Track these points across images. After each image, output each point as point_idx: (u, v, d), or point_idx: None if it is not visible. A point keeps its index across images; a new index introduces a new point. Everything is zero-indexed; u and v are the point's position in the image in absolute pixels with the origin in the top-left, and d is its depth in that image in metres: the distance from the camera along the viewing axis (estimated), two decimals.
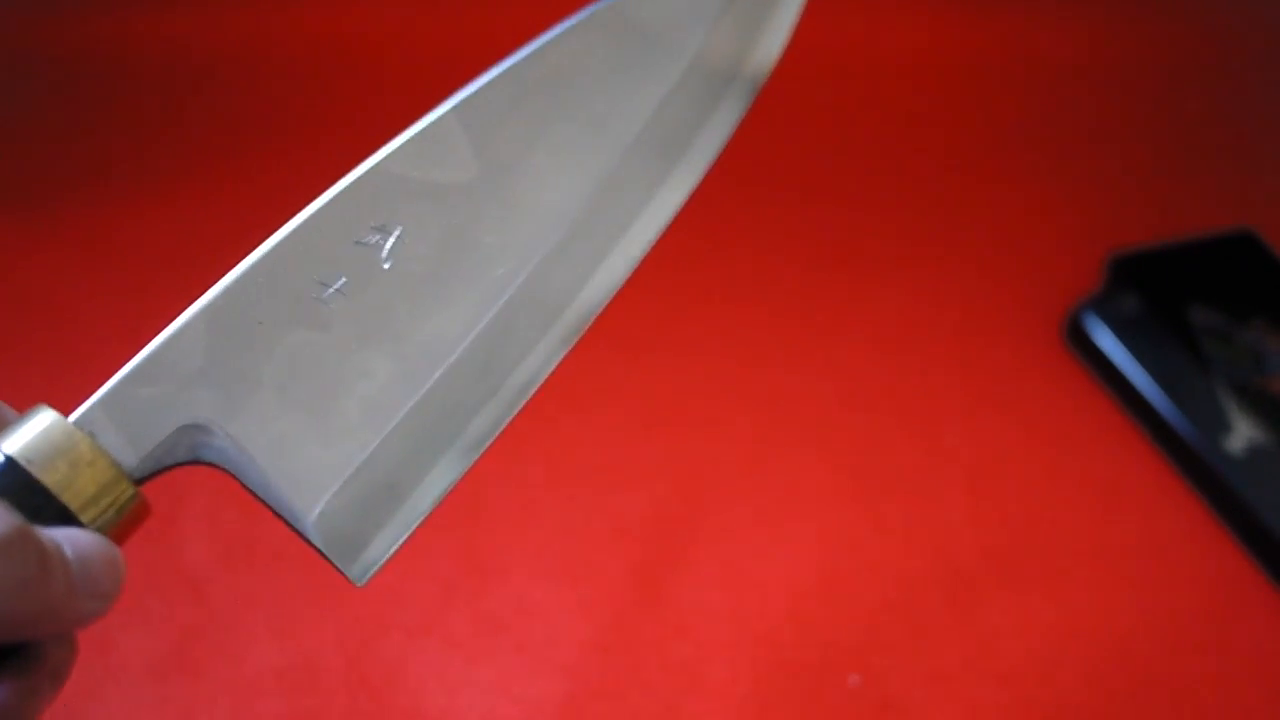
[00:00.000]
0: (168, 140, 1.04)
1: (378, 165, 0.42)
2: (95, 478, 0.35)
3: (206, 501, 0.76)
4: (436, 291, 0.41)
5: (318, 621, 0.72)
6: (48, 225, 0.94)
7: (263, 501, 0.39)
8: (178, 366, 0.38)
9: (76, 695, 0.67)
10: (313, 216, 0.41)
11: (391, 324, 0.40)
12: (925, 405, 0.87)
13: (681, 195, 0.44)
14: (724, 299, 0.93)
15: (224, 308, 0.39)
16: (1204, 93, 1.19)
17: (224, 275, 0.40)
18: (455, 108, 0.42)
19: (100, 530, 0.35)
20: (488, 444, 0.41)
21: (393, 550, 0.40)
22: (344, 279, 0.40)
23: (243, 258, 0.40)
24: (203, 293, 0.40)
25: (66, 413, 0.36)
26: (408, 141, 0.42)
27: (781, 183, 1.05)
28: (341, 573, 0.39)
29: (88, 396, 0.37)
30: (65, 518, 0.34)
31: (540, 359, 0.42)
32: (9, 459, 0.34)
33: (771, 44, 0.46)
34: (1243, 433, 0.83)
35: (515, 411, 0.42)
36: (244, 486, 0.39)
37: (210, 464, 0.39)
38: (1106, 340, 0.88)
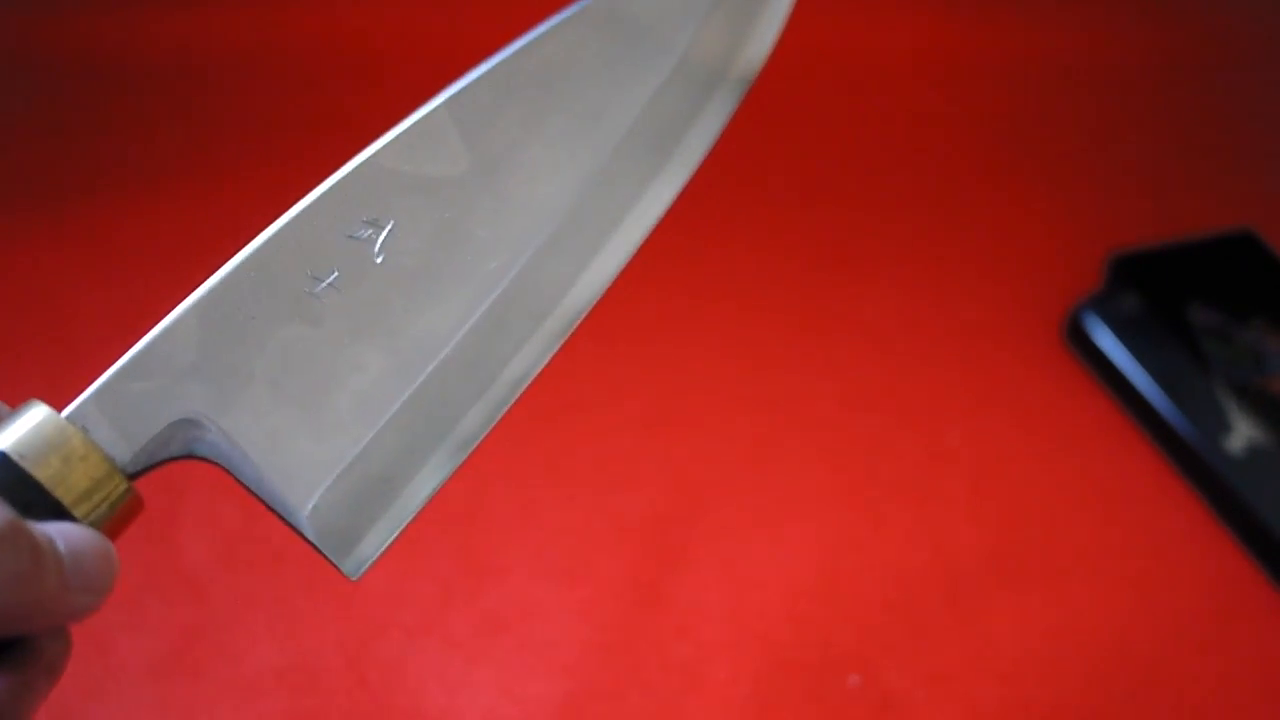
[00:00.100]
0: (166, 139, 1.04)
1: (370, 159, 0.42)
2: (88, 472, 0.35)
3: (206, 501, 0.76)
4: (429, 285, 0.41)
5: (318, 621, 0.72)
6: (46, 223, 0.94)
7: (256, 496, 0.39)
8: (170, 361, 0.38)
9: (76, 695, 0.68)
10: (305, 211, 0.41)
11: (384, 318, 0.40)
12: (925, 405, 0.87)
13: (673, 191, 0.45)
14: (724, 299, 0.93)
15: (216, 302, 0.39)
16: (1204, 93, 1.19)
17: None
18: (447, 102, 0.42)
19: (93, 525, 0.35)
20: (481, 439, 0.41)
21: (387, 544, 0.40)
22: (336, 273, 0.40)
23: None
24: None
25: (61, 408, 0.36)
26: (399, 136, 0.42)
27: (782, 183, 1.05)
28: (336, 567, 0.39)
29: (83, 392, 0.38)
30: (58, 512, 0.34)
31: (533, 354, 0.42)
32: (2, 454, 0.34)
33: (763, 39, 0.46)
34: (1243, 433, 0.83)
35: (508, 406, 0.42)
36: (238, 481, 0.39)
37: (203, 459, 0.39)
38: (1106, 340, 0.88)
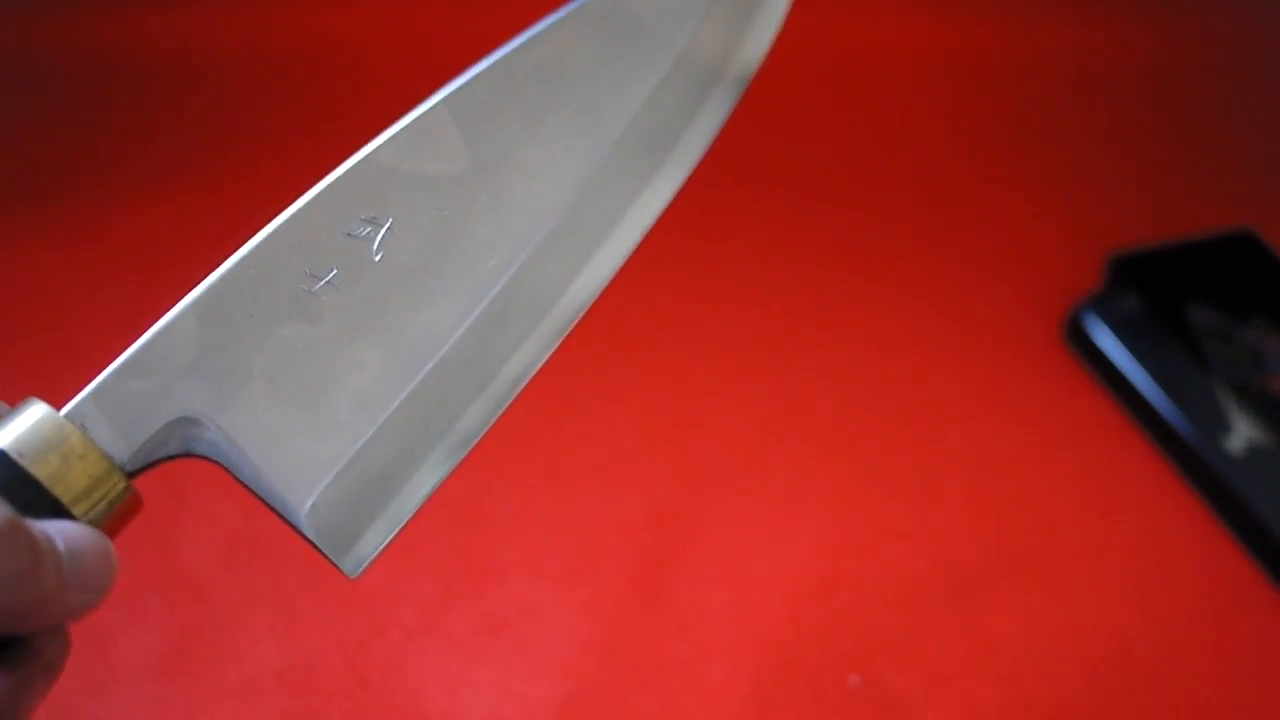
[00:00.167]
0: (165, 138, 1.04)
1: (368, 157, 0.42)
2: (87, 471, 0.35)
3: (206, 500, 0.76)
4: (427, 283, 0.41)
5: (318, 621, 0.72)
6: (45, 223, 0.95)
7: (255, 494, 0.39)
8: (169, 359, 0.38)
9: (76, 695, 0.68)
10: (303, 209, 0.41)
11: (383, 316, 0.41)
12: (925, 405, 0.87)
13: (671, 188, 0.45)
14: (723, 299, 0.93)
15: (215, 301, 0.39)
16: (1204, 93, 1.19)
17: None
18: (445, 99, 0.43)
19: (92, 523, 0.35)
20: (480, 437, 0.41)
21: (386, 542, 0.40)
22: (335, 271, 0.40)
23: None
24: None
25: (59, 406, 0.37)
26: (398, 133, 0.42)
27: (782, 182, 1.05)
28: (335, 565, 0.39)
29: (82, 390, 0.38)
30: (57, 511, 0.34)
31: (532, 352, 0.42)
32: (1, 452, 0.34)
33: (761, 37, 0.46)
34: (1243, 433, 0.83)
35: (507, 404, 0.42)
36: (236, 479, 0.39)
37: (202, 457, 0.39)
38: (1106, 340, 0.88)
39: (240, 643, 0.71)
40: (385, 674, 0.70)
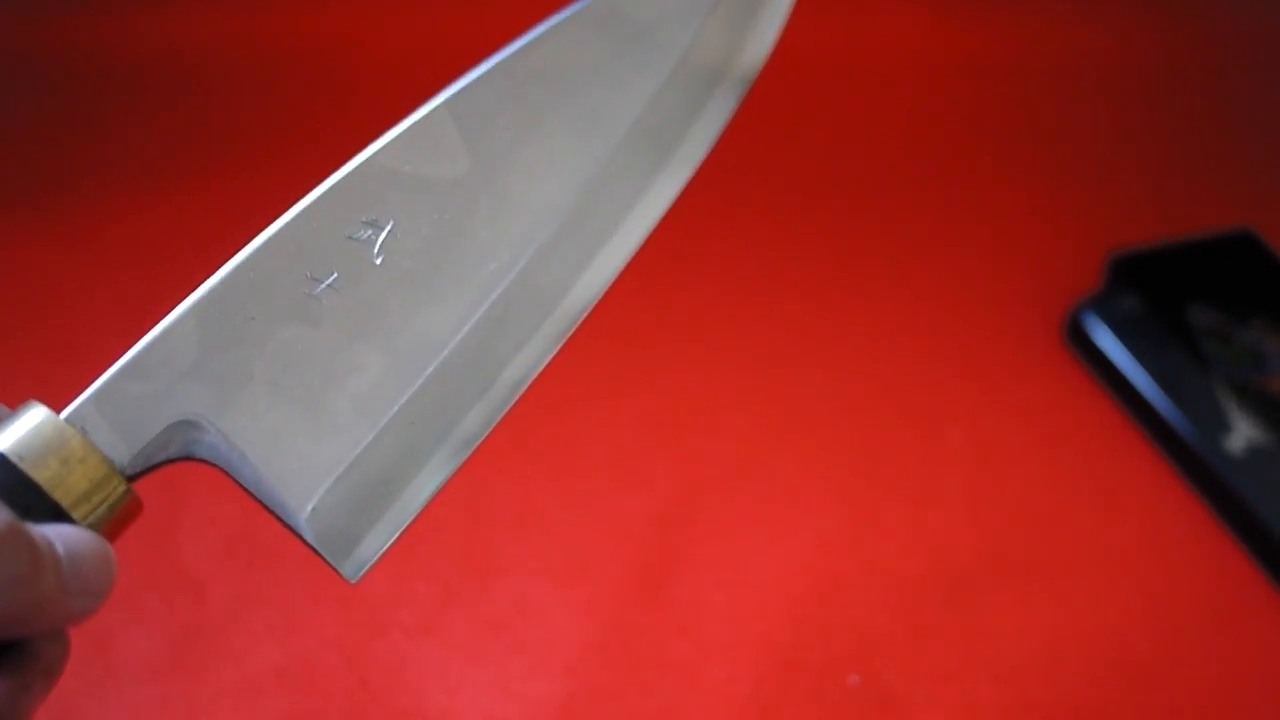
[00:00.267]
0: (164, 138, 1.04)
1: (369, 160, 0.42)
2: (87, 474, 0.35)
3: (206, 500, 0.76)
4: (428, 286, 0.41)
5: (318, 621, 0.72)
6: (44, 223, 0.94)
7: (255, 498, 0.39)
8: (169, 362, 0.38)
9: (76, 694, 0.67)
10: (304, 212, 0.41)
11: (383, 319, 0.40)
12: (925, 405, 0.87)
13: (673, 191, 0.45)
14: (723, 298, 0.93)
15: (215, 303, 0.39)
16: (1204, 93, 1.19)
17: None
18: (447, 102, 0.42)
19: (92, 527, 0.35)
20: (481, 440, 0.41)
21: (386, 547, 0.40)
22: (335, 274, 0.40)
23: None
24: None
25: (60, 409, 0.36)
26: (399, 136, 0.42)
27: (783, 182, 1.05)
28: (335, 569, 0.39)
29: (82, 393, 0.38)
30: (57, 515, 0.34)
31: (533, 355, 0.42)
32: (1, 456, 0.34)
33: (763, 39, 0.46)
34: (1243, 433, 0.83)
35: (508, 407, 0.42)
36: (236, 483, 0.39)
37: (202, 460, 0.39)
38: (1106, 340, 0.88)
39: (240, 643, 0.71)
40: (385, 674, 0.70)
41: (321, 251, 0.40)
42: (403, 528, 0.40)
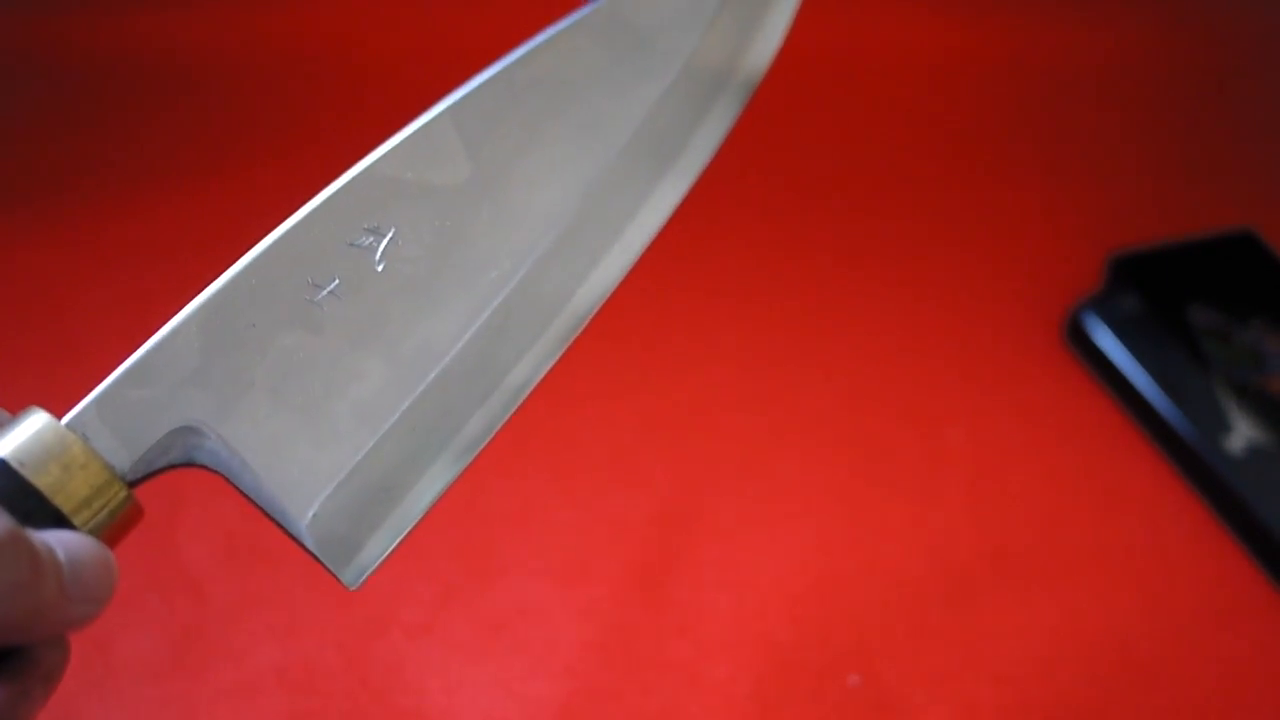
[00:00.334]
0: (164, 138, 1.04)
1: (371, 167, 0.41)
2: (88, 480, 0.35)
3: (206, 501, 0.76)
4: (430, 294, 0.41)
5: (318, 621, 0.72)
6: (44, 224, 0.94)
7: (256, 504, 0.39)
8: (171, 369, 0.38)
9: (76, 695, 0.68)
10: (306, 218, 0.40)
11: (385, 326, 0.40)
12: (925, 404, 0.87)
13: (676, 198, 0.44)
14: (723, 298, 0.93)
15: (217, 310, 0.39)
16: (1204, 93, 1.19)
17: (219, 275, 0.40)
18: (449, 109, 0.42)
19: (93, 533, 0.35)
20: (482, 447, 0.41)
21: (386, 554, 0.40)
22: (337, 281, 0.40)
23: (239, 257, 0.40)
24: (199, 292, 0.40)
25: (60, 414, 0.36)
26: (401, 143, 0.42)
27: (783, 182, 1.05)
28: (335, 577, 0.39)
29: (83, 397, 0.38)
30: (58, 520, 0.34)
31: (534, 362, 0.42)
32: (2, 462, 0.34)
33: (766, 46, 0.46)
34: (1243, 433, 0.83)
35: (509, 414, 0.42)
36: (237, 489, 0.39)
37: (203, 466, 0.39)
38: (1106, 340, 0.88)
39: (240, 643, 0.71)
40: (385, 674, 0.70)
41: (323, 258, 0.40)
42: (403, 535, 0.40)
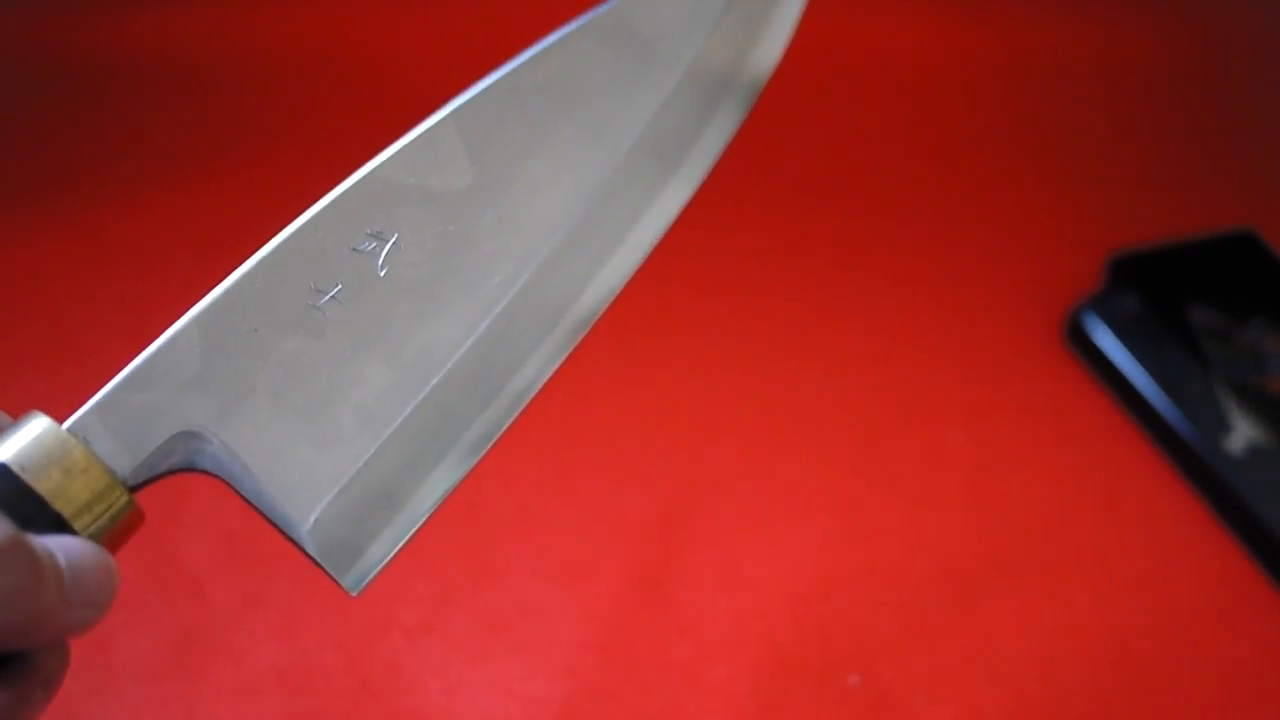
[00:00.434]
0: (164, 138, 1.04)
1: (374, 172, 0.41)
2: (89, 485, 0.35)
3: (207, 501, 0.76)
4: (433, 299, 0.41)
5: (318, 622, 0.72)
6: (44, 225, 0.94)
7: (257, 509, 0.39)
8: (172, 373, 0.38)
9: (77, 695, 0.68)
10: (308, 223, 0.40)
11: (387, 331, 0.40)
12: (925, 405, 0.87)
13: (679, 202, 0.44)
14: (723, 298, 0.93)
15: (219, 314, 0.39)
16: (1204, 93, 1.19)
17: (221, 278, 0.40)
18: (453, 113, 0.42)
19: (93, 538, 0.35)
20: (484, 451, 0.41)
21: (388, 559, 0.40)
22: (340, 286, 0.40)
23: (241, 259, 0.40)
24: (201, 295, 0.40)
25: (61, 418, 0.36)
26: (404, 148, 0.42)
27: (783, 183, 1.05)
28: (336, 582, 0.39)
29: (84, 399, 0.37)
30: (58, 525, 0.34)
31: (536, 366, 0.42)
32: (2, 466, 0.34)
33: (770, 50, 0.46)
34: (1243, 433, 0.83)
35: (511, 419, 0.42)
36: (238, 494, 0.39)
37: (205, 471, 0.39)
38: (1106, 340, 0.88)
39: (240, 643, 0.71)
40: (385, 674, 0.70)
41: (326, 263, 0.40)
42: (405, 540, 0.40)
